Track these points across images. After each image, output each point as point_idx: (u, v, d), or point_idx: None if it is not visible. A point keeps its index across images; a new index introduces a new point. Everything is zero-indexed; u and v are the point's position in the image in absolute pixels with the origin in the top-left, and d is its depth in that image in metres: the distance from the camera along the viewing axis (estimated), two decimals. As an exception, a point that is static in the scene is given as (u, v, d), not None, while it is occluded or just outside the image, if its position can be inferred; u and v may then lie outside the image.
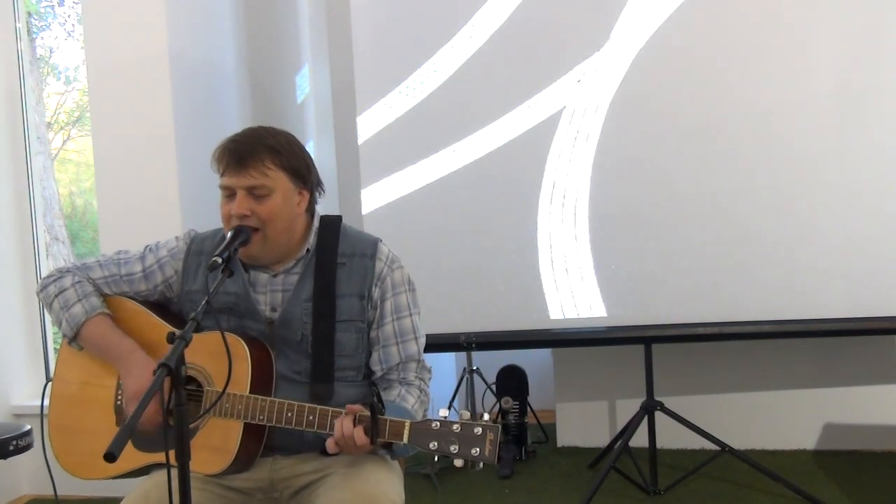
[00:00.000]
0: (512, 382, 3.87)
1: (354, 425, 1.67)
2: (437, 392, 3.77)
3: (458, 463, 1.62)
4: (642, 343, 3.30)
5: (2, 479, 3.49)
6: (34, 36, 4.86)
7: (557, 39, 3.25)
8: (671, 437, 3.56)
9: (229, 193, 1.83)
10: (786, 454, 3.65)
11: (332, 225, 1.95)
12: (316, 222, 1.94)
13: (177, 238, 2.02)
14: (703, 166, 3.17)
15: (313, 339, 1.85)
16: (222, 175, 1.83)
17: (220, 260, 1.71)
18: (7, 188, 3.71)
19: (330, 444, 1.70)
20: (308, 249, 1.91)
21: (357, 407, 1.70)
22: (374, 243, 1.94)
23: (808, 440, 3.70)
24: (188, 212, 3.25)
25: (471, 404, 4.04)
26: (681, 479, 3.28)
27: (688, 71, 3.17)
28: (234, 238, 1.78)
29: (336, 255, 1.90)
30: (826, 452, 3.64)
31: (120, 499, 1.80)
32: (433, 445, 1.62)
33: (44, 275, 3.69)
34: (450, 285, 3.33)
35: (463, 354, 4.07)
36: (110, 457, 1.33)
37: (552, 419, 4.10)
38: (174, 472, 1.50)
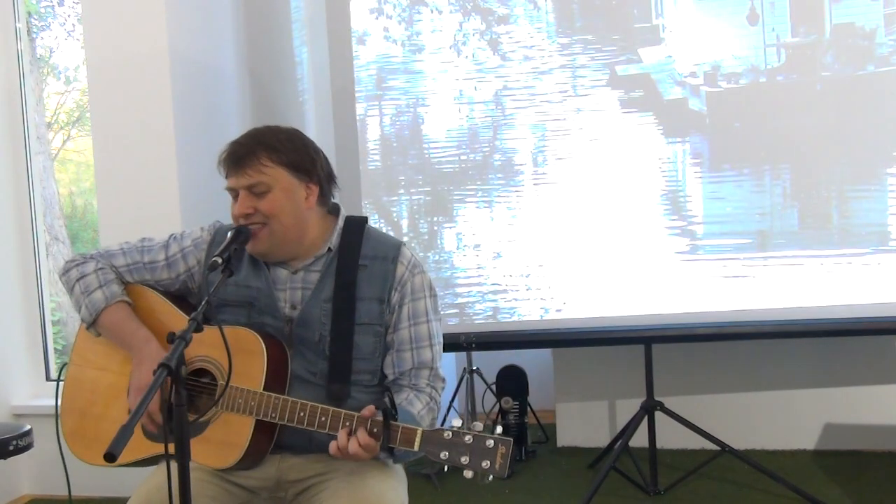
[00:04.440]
0: (512, 382, 3.87)
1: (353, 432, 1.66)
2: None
3: (468, 475, 1.61)
4: (642, 343, 3.30)
5: (2, 479, 3.48)
6: (34, 36, 4.85)
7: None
8: (671, 437, 3.56)
9: (234, 195, 1.85)
10: (786, 454, 3.65)
11: (356, 225, 1.94)
12: (340, 222, 1.94)
13: (202, 229, 2.02)
14: (703, 166, 3.18)
15: (331, 341, 1.85)
16: (226, 178, 1.85)
17: (219, 260, 1.71)
18: (7, 188, 3.71)
19: (332, 448, 1.69)
20: (330, 248, 1.91)
21: (371, 410, 1.68)
22: (397, 247, 1.93)
23: (808, 440, 3.69)
24: (188, 212, 3.25)
25: (471, 404, 4.03)
26: (681, 479, 3.28)
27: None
28: (234, 238, 1.79)
29: (358, 256, 1.89)
30: (826, 452, 3.64)
31: (121, 499, 1.81)
32: (444, 455, 1.60)
33: (44, 275, 3.73)
34: (450, 285, 3.34)
35: (463, 354, 4.06)
36: (110, 457, 1.33)
37: (552, 419, 4.09)
38: (174, 473, 1.49)
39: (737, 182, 3.16)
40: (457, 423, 1.66)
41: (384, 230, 3.37)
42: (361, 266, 1.89)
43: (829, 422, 3.68)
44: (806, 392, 3.68)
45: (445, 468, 1.61)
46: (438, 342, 1.94)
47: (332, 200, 1.97)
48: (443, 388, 1.94)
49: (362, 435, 1.65)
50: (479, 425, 1.65)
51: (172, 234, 2.02)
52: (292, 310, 1.89)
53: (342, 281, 1.87)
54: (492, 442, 1.58)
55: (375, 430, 1.65)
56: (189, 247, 1.98)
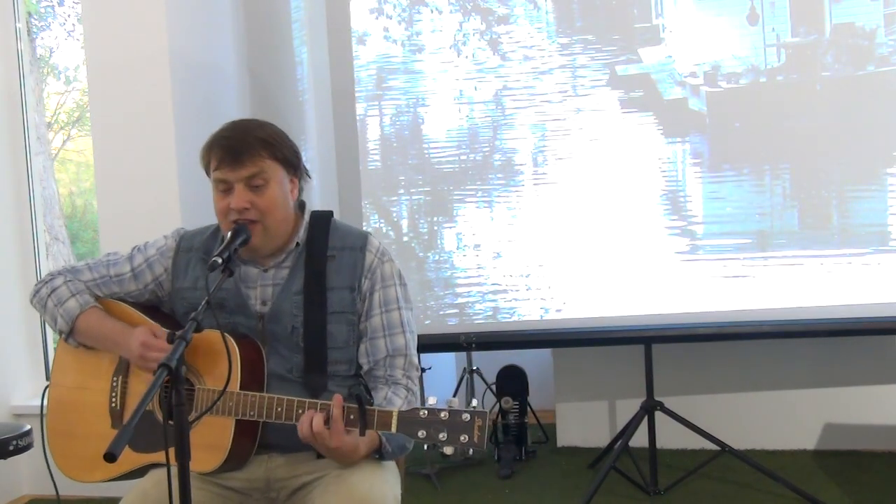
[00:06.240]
0: (512, 382, 3.86)
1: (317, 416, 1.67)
2: (436, 392, 3.77)
3: (449, 450, 1.62)
4: (642, 343, 3.30)
5: (2, 479, 3.49)
6: (34, 36, 4.86)
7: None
8: (671, 437, 3.56)
9: (225, 187, 1.84)
10: (786, 454, 3.65)
11: (322, 219, 1.96)
12: (306, 217, 1.95)
13: (165, 237, 2.03)
14: (703, 166, 3.18)
15: (305, 332, 1.86)
16: (216, 169, 1.84)
17: (220, 260, 1.71)
18: (7, 188, 3.71)
19: (305, 431, 1.69)
20: (298, 243, 1.92)
21: (339, 399, 1.69)
22: (364, 236, 1.96)
23: (808, 440, 3.70)
24: (188, 212, 3.25)
25: (468, 402, 4.03)
26: (681, 479, 3.28)
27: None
28: (233, 238, 1.79)
29: (326, 247, 1.91)
30: (826, 452, 3.64)
31: (119, 499, 1.80)
32: (422, 434, 1.61)
33: (43, 275, 3.72)
34: (450, 285, 3.34)
35: (463, 354, 4.06)
36: (110, 457, 1.33)
37: (552, 419, 4.09)
38: (174, 471, 1.50)
39: (737, 182, 3.16)
40: (432, 400, 1.67)
41: (384, 230, 3.40)
42: (330, 257, 1.90)
43: (829, 422, 3.68)
44: (806, 392, 3.68)
45: (427, 445, 1.60)
46: (411, 330, 1.94)
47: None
48: (418, 377, 1.95)
49: (317, 420, 1.66)
50: (455, 401, 1.66)
51: (136, 246, 2.03)
52: (263, 306, 1.90)
53: (311, 272, 1.88)
54: (468, 416, 1.60)
55: (352, 416, 1.66)
56: (154, 256, 1.99)
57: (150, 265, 1.99)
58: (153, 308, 2.01)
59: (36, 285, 2.01)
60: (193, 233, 2.02)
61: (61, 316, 1.94)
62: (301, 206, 1.97)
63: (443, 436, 1.60)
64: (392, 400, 1.85)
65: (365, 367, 1.91)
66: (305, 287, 1.87)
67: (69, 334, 1.95)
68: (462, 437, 1.59)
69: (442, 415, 1.61)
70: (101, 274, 1.99)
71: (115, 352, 1.93)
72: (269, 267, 1.92)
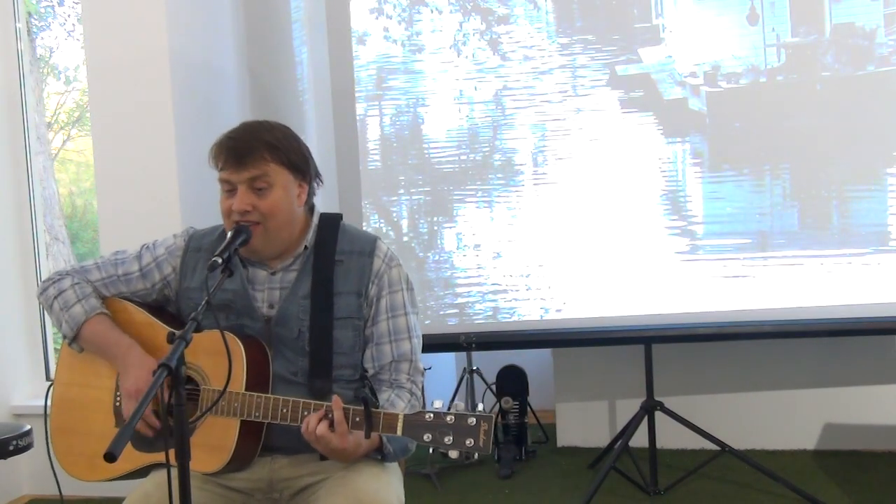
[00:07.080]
0: (512, 382, 3.87)
1: (320, 420, 1.68)
2: (437, 392, 3.77)
3: (454, 454, 1.63)
4: (642, 343, 3.30)
5: (2, 479, 3.49)
6: (34, 36, 4.86)
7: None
8: (671, 437, 3.56)
9: (229, 188, 1.84)
10: (786, 454, 3.65)
11: (331, 222, 1.96)
12: (315, 219, 1.95)
13: (174, 236, 2.02)
14: (703, 166, 3.18)
15: (311, 336, 1.86)
16: (221, 169, 1.84)
17: (219, 260, 1.71)
18: (7, 188, 3.71)
19: (304, 429, 1.70)
20: (306, 246, 1.92)
21: (338, 401, 1.69)
22: (372, 241, 1.95)
23: (808, 440, 3.70)
24: (188, 212, 3.25)
25: (471, 404, 4.03)
26: (681, 479, 3.28)
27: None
28: (234, 238, 1.79)
29: (334, 252, 1.91)
30: (826, 452, 3.64)
31: (121, 499, 1.80)
32: (427, 437, 1.62)
33: (44, 275, 3.73)
34: (450, 285, 3.34)
35: (463, 354, 4.06)
36: (110, 457, 1.33)
37: (552, 419, 4.10)
38: (174, 472, 1.50)
39: (737, 182, 3.17)
40: (438, 404, 1.67)
41: (384, 230, 3.40)
42: (338, 261, 1.90)
43: (829, 422, 3.68)
44: (806, 392, 3.68)
45: (431, 450, 1.60)
46: (417, 335, 1.94)
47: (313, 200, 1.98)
48: (422, 381, 1.95)
49: (322, 426, 1.67)
50: (461, 405, 1.67)
51: (145, 244, 2.02)
52: (270, 309, 1.89)
53: (319, 277, 1.88)
54: (473, 420, 1.60)
55: (358, 418, 1.66)
56: (163, 255, 1.98)
57: (159, 264, 1.98)
58: (160, 307, 2.01)
59: (44, 282, 2.00)
60: (203, 233, 2.01)
61: (66, 322, 1.93)
62: (311, 208, 1.96)
63: (448, 439, 1.60)
64: (395, 402, 1.85)
65: (370, 372, 1.91)
66: (313, 292, 1.87)
67: (73, 340, 1.95)
68: (468, 441, 1.59)
69: (448, 418, 1.61)
70: (108, 273, 1.98)
71: (114, 366, 1.92)
72: (277, 270, 1.91)
